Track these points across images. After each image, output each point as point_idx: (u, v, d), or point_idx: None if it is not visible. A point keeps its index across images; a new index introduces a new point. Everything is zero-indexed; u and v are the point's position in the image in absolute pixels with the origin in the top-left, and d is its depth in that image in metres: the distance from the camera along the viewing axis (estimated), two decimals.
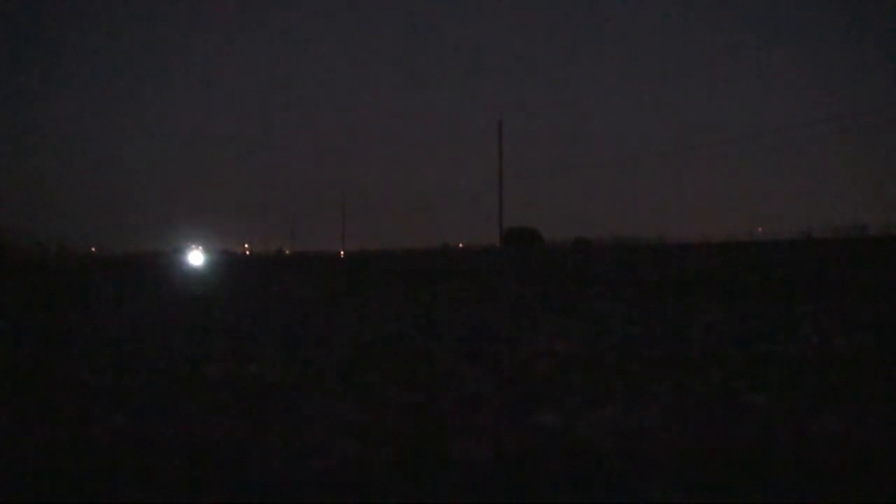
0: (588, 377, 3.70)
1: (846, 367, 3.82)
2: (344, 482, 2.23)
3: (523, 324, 6.06)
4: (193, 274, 20.40)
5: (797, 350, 4.39)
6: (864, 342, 4.62)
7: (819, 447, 2.46)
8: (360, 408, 3.13)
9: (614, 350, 4.53)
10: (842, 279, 10.74)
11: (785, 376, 3.62)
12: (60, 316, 7.63)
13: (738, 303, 7.53)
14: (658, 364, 4.02)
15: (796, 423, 2.76)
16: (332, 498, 2.10)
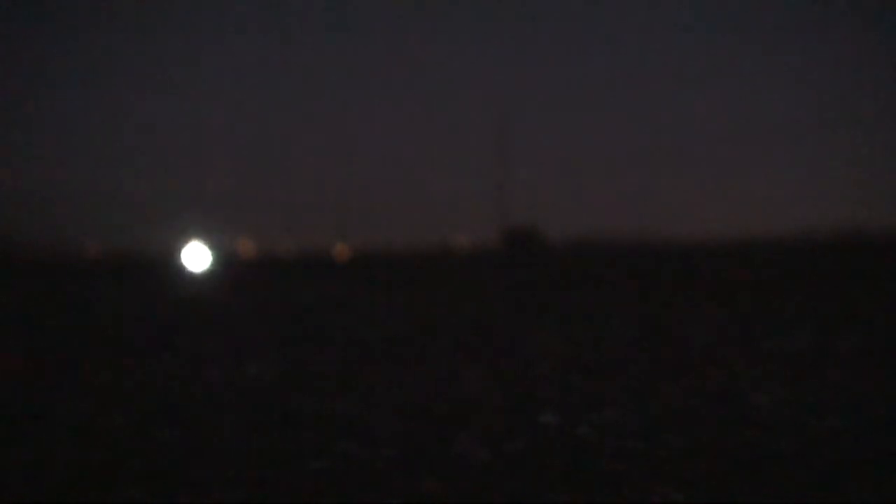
0: (588, 378, 3.70)
1: (846, 367, 3.82)
2: (344, 482, 2.22)
3: (523, 324, 6.07)
4: (193, 273, 20.42)
5: (797, 350, 4.39)
6: (864, 343, 4.62)
7: (819, 447, 2.45)
8: (360, 408, 3.13)
9: (615, 350, 4.54)
10: (841, 281, 10.74)
11: (785, 376, 3.62)
12: (61, 316, 7.63)
13: (738, 303, 7.53)
14: (658, 364, 4.02)
15: (797, 423, 2.76)
16: (333, 498, 2.10)
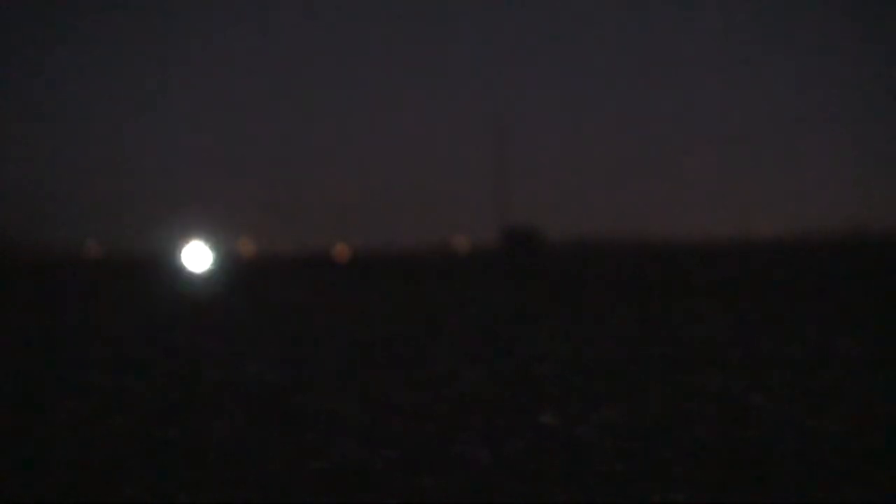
0: (588, 378, 3.70)
1: (846, 367, 3.82)
2: (344, 482, 2.22)
3: (523, 325, 6.07)
4: (193, 273, 20.42)
5: (797, 350, 4.39)
6: (864, 343, 4.62)
7: (819, 447, 2.45)
8: (360, 408, 3.13)
9: (614, 351, 4.53)
10: (842, 281, 10.74)
11: (785, 376, 3.62)
12: (61, 316, 7.63)
13: (738, 304, 7.53)
14: (658, 364, 4.02)
15: (796, 423, 2.76)
16: (333, 498, 2.10)
